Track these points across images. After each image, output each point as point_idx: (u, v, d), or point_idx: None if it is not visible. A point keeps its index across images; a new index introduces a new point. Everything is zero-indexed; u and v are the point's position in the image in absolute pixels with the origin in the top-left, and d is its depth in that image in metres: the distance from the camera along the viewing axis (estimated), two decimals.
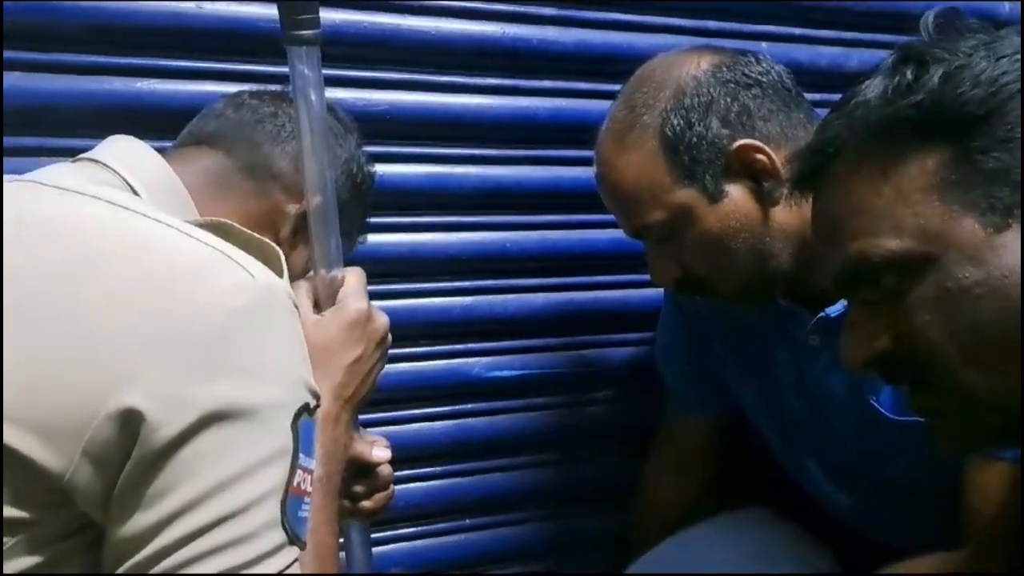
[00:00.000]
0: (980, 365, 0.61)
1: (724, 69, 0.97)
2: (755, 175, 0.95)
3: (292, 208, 0.84)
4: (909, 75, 0.63)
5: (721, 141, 0.95)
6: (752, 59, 0.99)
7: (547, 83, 1.26)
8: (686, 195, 0.96)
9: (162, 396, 0.58)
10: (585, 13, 1.26)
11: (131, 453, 0.59)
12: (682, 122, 0.95)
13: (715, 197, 0.96)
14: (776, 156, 0.95)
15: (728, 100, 0.96)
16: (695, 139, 0.95)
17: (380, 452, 0.90)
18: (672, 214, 0.97)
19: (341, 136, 0.91)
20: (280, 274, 0.68)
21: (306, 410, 0.66)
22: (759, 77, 0.97)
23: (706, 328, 1.18)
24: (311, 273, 0.82)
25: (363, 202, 0.96)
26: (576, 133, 1.28)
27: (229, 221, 0.72)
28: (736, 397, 1.19)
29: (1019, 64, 0.60)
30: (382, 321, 0.84)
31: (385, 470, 0.91)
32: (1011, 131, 0.60)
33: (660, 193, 0.97)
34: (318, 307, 0.81)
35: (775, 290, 1.02)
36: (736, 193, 0.96)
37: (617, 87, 1.27)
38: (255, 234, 0.71)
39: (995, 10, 1.43)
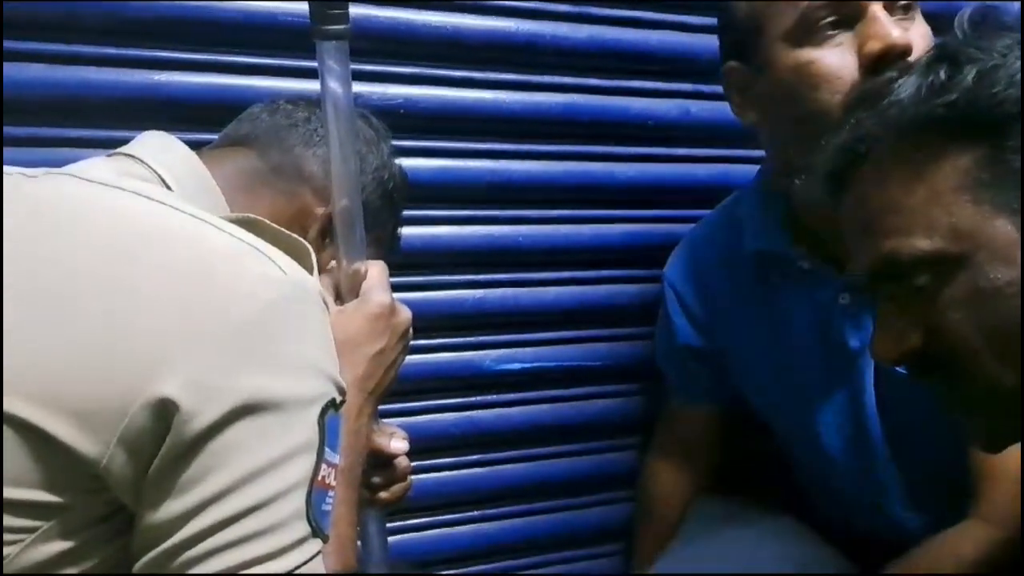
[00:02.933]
0: (1012, 363, 0.61)
1: None
2: None
3: (320, 210, 0.84)
4: (943, 75, 0.62)
5: None
6: None
7: (560, 79, 1.25)
8: None
9: (195, 387, 0.58)
10: (598, 9, 1.25)
11: (164, 441, 0.59)
12: None
13: None
14: None
15: None
16: None
17: (398, 444, 0.90)
18: None
19: (374, 143, 0.91)
20: (310, 270, 0.68)
21: (333, 405, 0.66)
22: None
23: (713, 316, 1.18)
24: (332, 263, 0.82)
25: (394, 210, 0.96)
26: (589, 128, 1.28)
27: (260, 217, 0.72)
28: (745, 380, 1.19)
29: None
30: (405, 315, 0.84)
31: (403, 462, 0.91)
32: None
33: None
34: (340, 300, 0.81)
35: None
36: None
37: (630, 83, 1.29)
38: (285, 230, 0.71)
39: (1007, 9, 1.43)
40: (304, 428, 0.63)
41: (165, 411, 0.58)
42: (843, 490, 1.12)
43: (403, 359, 0.85)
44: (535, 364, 1.31)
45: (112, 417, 0.58)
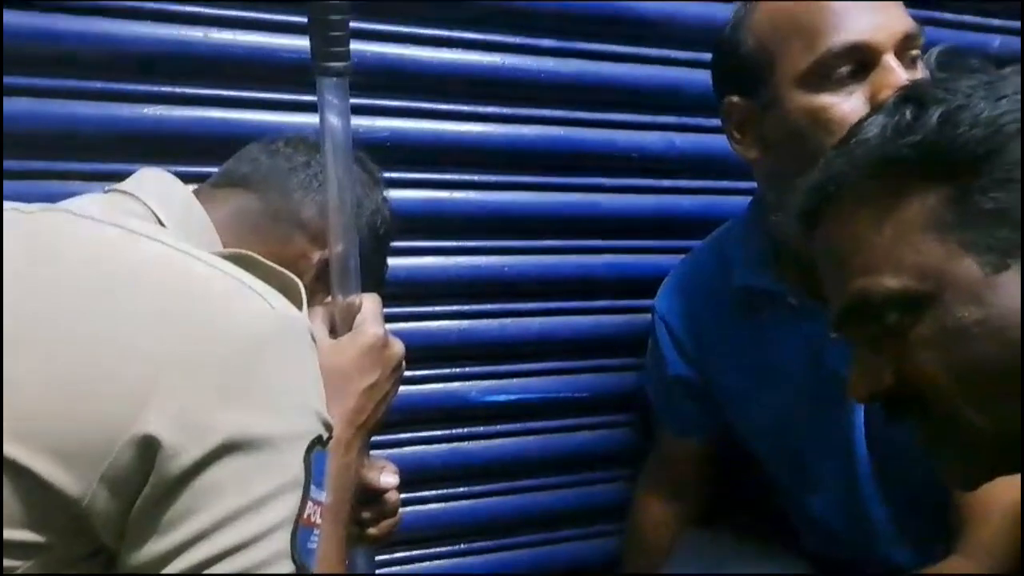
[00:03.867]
0: (981, 403, 0.62)
1: None
2: None
3: (316, 255, 0.86)
4: (908, 115, 0.63)
5: None
6: None
7: (545, 112, 1.28)
8: None
9: (180, 424, 0.59)
10: (582, 44, 1.28)
11: (148, 479, 0.59)
12: None
13: None
14: None
15: None
16: None
17: (388, 478, 0.90)
18: None
19: (369, 187, 0.92)
20: (299, 306, 0.69)
21: (319, 442, 0.66)
22: None
23: (703, 348, 1.19)
24: (328, 298, 0.83)
25: (384, 254, 0.97)
26: (575, 160, 1.30)
27: (251, 253, 0.73)
28: (735, 412, 1.20)
29: (1019, 104, 0.61)
30: (398, 348, 0.84)
31: (392, 496, 0.91)
32: (1011, 172, 0.60)
33: None
34: (334, 332, 0.82)
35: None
36: None
37: (613, 116, 1.31)
38: (276, 266, 0.72)
39: (986, 44, 1.48)
40: (290, 466, 0.64)
41: (149, 449, 0.58)
42: (831, 522, 1.13)
43: (395, 392, 0.85)
44: (521, 395, 1.32)
45: (96, 455, 0.58)
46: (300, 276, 0.76)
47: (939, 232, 0.61)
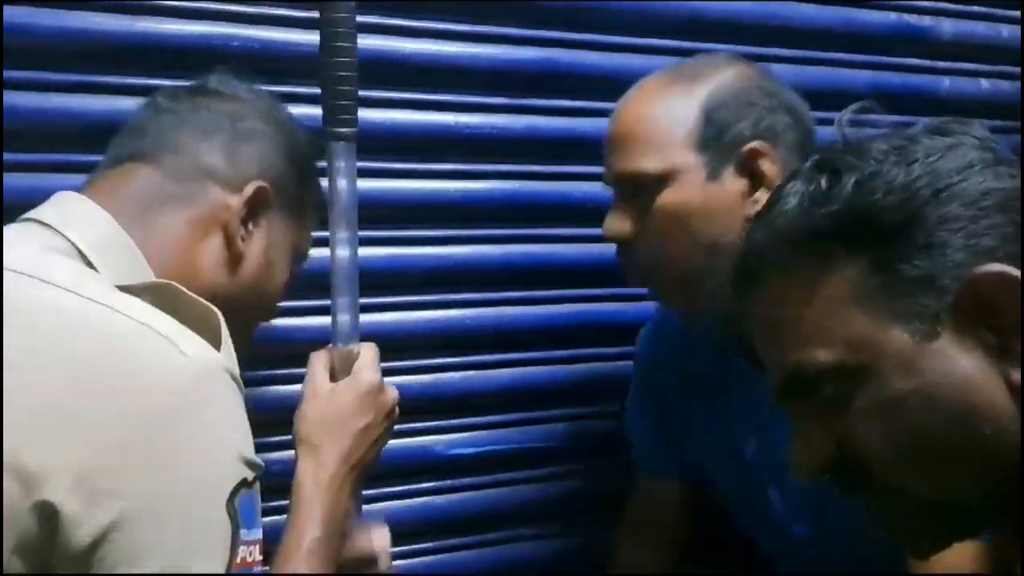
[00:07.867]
0: (924, 472, 0.63)
1: None
2: None
3: (234, 200, 0.85)
4: (823, 183, 0.65)
5: None
6: None
7: (500, 167, 1.37)
8: None
9: (80, 490, 0.60)
10: (533, 101, 1.38)
11: (55, 549, 0.60)
12: None
13: None
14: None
15: None
16: None
17: (379, 540, 0.96)
18: None
19: (272, 122, 0.91)
20: (218, 341, 0.70)
21: (244, 484, 0.68)
22: None
23: (675, 394, 1.27)
24: (330, 345, 0.92)
25: (305, 178, 0.94)
26: (529, 212, 1.39)
27: (172, 283, 0.74)
28: (704, 462, 1.27)
29: (930, 169, 0.63)
30: (392, 394, 0.93)
31: (383, 561, 0.97)
32: (930, 237, 0.61)
33: None
34: (334, 377, 0.90)
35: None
36: None
37: (566, 168, 1.40)
38: (198, 298, 0.73)
39: (935, 85, 1.62)
40: (210, 521, 0.66)
41: (50, 518, 0.60)
42: None
43: (388, 437, 0.94)
44: (485, 448, 1.38)
45: (6, 526, 0.60)
46: (225, 227, 0.79)
47: (866, 302, 0.63)
